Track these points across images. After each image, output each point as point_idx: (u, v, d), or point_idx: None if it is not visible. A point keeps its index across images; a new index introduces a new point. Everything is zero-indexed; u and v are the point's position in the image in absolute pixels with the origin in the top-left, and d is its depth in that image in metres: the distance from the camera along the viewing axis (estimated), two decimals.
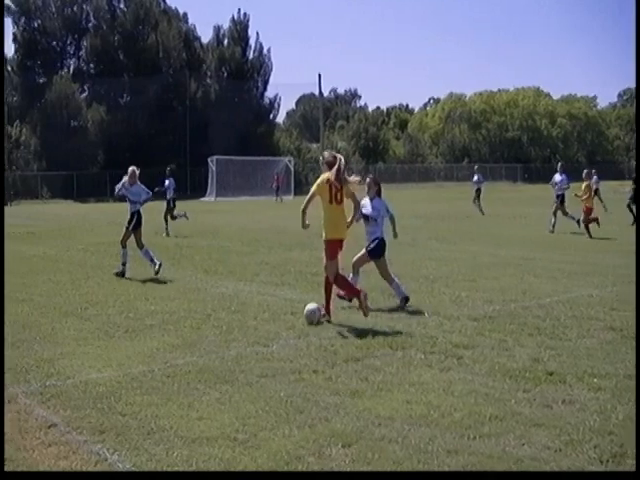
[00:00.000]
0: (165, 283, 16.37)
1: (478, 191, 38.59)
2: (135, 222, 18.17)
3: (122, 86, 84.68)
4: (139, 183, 18.48)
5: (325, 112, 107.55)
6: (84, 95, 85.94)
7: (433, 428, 7.03)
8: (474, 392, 8.06)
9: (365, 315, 11.79)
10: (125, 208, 18.36)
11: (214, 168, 71.02)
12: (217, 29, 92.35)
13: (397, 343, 10.31)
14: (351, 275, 13.38)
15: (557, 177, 28.99)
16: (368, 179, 13.69)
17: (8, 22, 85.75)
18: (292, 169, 75.56)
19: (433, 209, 36.89)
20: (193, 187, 75.74)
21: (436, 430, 6.97)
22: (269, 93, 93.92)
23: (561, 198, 28.21)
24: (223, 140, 76.15)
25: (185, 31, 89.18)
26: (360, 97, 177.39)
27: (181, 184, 76.77)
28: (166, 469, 6.20)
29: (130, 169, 18.63)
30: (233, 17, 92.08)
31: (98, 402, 7.91)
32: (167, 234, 28.32)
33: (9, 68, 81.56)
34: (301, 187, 78.17)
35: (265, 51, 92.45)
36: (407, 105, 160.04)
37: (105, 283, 16.47)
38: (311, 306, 12.04)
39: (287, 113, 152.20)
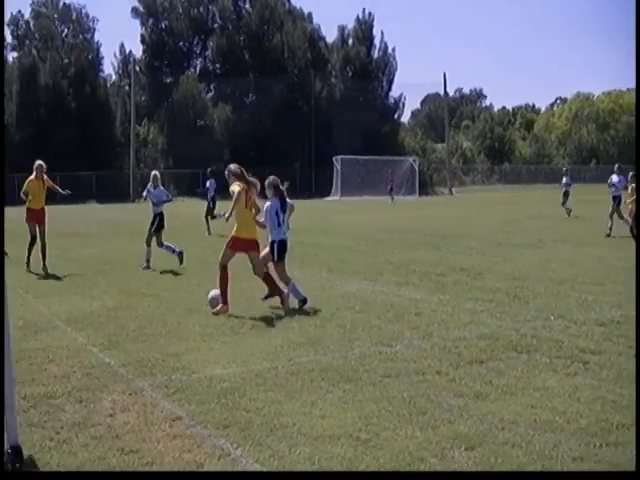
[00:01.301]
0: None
1: (566, 193, 37.56)
2: (157, 224, 19.52)
3: (247, 86, 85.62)
4: (161, 187, 19.92)
5: (450, 112, 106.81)
6: (210, 94, 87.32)
7: (558, 434, 6.89)
8: (601, 399, 7.86)
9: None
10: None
11: (339, 167, 71.24)
12: (342, 29, 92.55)
13: (522, 346, 10.16)
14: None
15: (614, 178, 28.06)
16: (267, 181, 13.67)
17: (136, 23, 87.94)
18: (417, 169, 75.25)
19: (560, 211, 36.14)
20: (317, 186, 76.17)
21: (561, 436, 6.83)
22: (394, 93, 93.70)
23: (618, 200, 27.26)
24: (348, 140, 76.27)
25: (310, 31, 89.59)
26: (485, 97, 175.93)
27: (305, 183, 77.76)
28: (289, 466, 6.24)
29: (152, 173, 20.22)
30: (358, 17, 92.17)
31: (222, 397, 8.02)
32: (209, 233, 29.18)
33: (137, 68, 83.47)
34: (426, 187, 77.80)
35: (390, 50, 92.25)
36: (533, 105, 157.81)
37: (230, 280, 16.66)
38: (213, 293, 13.21)
39: (412, 113, 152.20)
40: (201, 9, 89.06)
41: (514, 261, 19.40)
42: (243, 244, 13.31)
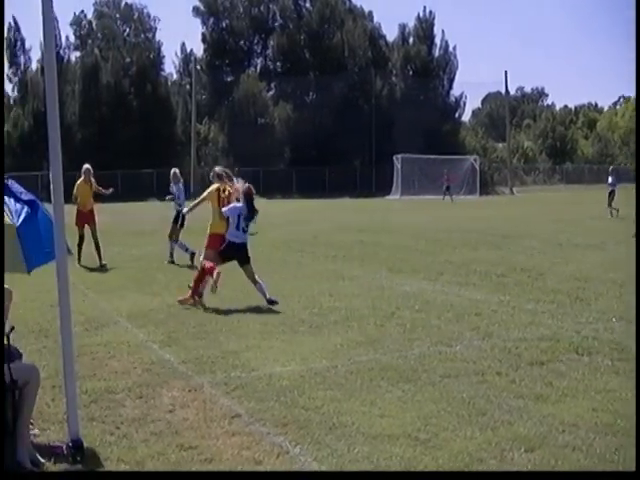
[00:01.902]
0: (349, 280, 16.49)
1: (612, 193, 36.89)
2: (181, 221, 20.21)
3: (308, 84, 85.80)
4: (180, 185, 20.59)
5: (511, 111, 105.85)
6: (271, 93, 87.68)
7: (620, 437, 6.79)
8: None
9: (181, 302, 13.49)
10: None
11: (399, 166, 71.05)
12: (402, 27, 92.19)
13: (583, 348, 10.02)
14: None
15: None
16: (242, 189, 14.25)
17: (197, 23, 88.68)
18: (477, 168, 74.71)
19: (621, 212, 35.54)
20: (378, 185, 76.05)
21: (623, 440, 6.72)
22: (455, 91, 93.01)
23: None
24: (408, 138, 75.91)
25: (370, 29, 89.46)
26: (547, 95, 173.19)
27: (365, 182, 77.72)
28: (347, 465, 6.24)
29: (172, 171, 21.10)
30: (418, 15, 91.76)
31: (281, 395, 8.05)
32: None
33: (198, 67, 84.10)
34: (487, 187, 77.24)
35: (451, 49, 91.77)
36: (596, 104, 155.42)
37: (290, 278, 16.73)
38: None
39: (473, 112, 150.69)
40: (262, 8, 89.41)
41: (576, 262, 19.19)
42: (219, 240, 14.02)
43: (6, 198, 6.51)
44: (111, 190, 20.93)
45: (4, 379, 6.19)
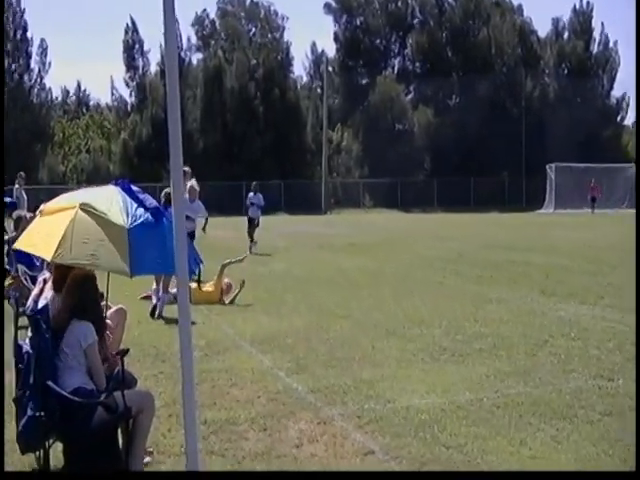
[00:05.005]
0: (497, 303, 16.29)
1: None
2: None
3: (450, 86, 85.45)
4: (198, 200, 19.57)
5: None
6: (409, 96, 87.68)
7: None
8: None
9: None
10: None
11: (553, 176, 69.94)
12: (556, 21, 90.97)
13: None
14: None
15: None
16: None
17: (329, 20, 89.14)
18: None
19: None
20: (528, 198, 75.08)
21: None
22: (616, 92, 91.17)
23: None
24: (563, 145, 74.55)
25: (520, 24, 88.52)
26: None
27: (515, 194, 76.73)
28: None
29: (189, 185, 19.95)
30: (574, 7, 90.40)
31: (420, 430, 7.99)
32: (250, 251, 27.90)
33: (330, 69, 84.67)
34: None
35: (611, 44, 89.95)
36: None
37: (430, 300, 16.61)
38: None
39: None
40: (399, 4, 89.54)
41: None
42: None
43: (129, 202, 6.67)
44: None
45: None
